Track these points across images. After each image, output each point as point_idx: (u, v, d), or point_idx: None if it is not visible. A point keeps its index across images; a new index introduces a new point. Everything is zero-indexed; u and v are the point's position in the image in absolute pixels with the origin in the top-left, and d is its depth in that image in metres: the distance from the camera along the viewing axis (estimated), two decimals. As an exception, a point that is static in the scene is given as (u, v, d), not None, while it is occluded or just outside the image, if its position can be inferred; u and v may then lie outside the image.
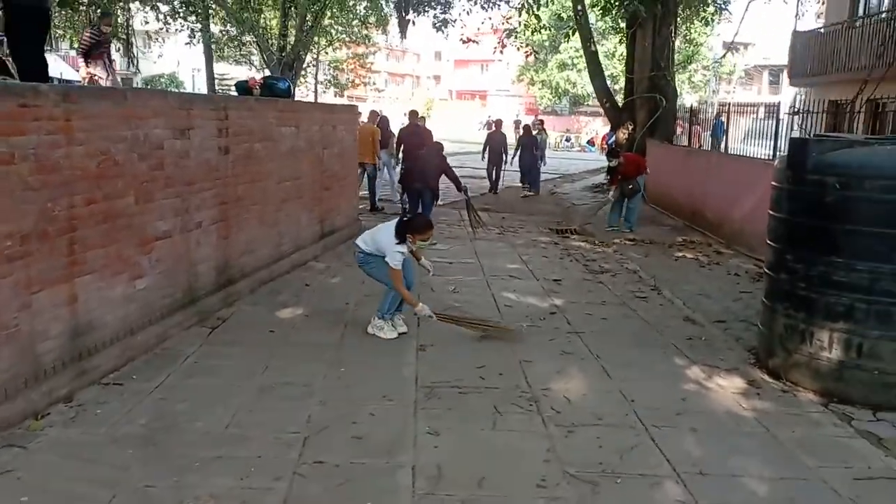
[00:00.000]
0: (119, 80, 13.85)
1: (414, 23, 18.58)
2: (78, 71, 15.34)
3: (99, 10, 16.07)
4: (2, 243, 3.49)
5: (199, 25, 20.24)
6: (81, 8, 16.77)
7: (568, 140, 41.12)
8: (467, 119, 45.72)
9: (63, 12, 17.40)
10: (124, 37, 17.49)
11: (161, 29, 20.10)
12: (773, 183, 4.86)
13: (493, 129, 16.46)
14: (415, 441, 3.64)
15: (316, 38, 21.32)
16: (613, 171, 10.70)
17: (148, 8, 18.77)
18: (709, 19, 20.65)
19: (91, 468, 3.26)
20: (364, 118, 14.34)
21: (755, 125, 12.30)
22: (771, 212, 4.88)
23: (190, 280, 5.39)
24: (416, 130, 12.27)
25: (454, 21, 18.44)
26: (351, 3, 21.55)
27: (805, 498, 3.28)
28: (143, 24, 20.91)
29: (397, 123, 13.33)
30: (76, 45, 19.54)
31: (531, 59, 34.34)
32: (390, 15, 22.00)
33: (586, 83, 30.04)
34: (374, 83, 43.58)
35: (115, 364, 4.38)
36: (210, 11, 19.91)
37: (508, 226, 11.27)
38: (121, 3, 17.00)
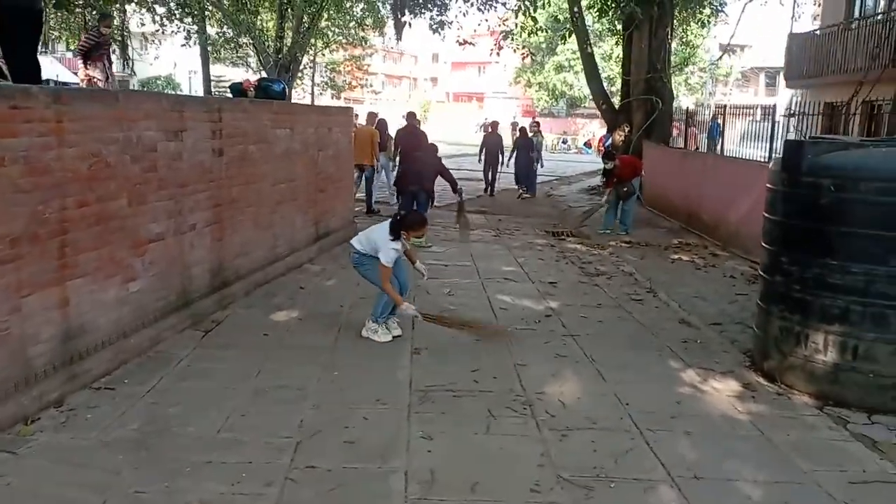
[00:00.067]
0: (117, 82, 13.83)
1: (410, 25, 18.54)
2: (76, 73, 15.32)
3: (94, 12, 16.04)
4: (-8, 246, 3.47)
5: (195, 27, 20.21)
6: (77, 10, 16.72)
7: (565, 142, 41.16)
8: (464, 121, 45.73)
9: (59, 14, 17.36)
10: (119, 39, 17.41)
11: (157, 31, 20.07)
12: (768, 185, 4.85)
13: (490, 130, 16.48)
14: (408, 445, 3.62)
15: (312, 40, 21.30)
16: (609, 173, 10.70)
17: (144, 10, 18.73)
18: (705, 21, 20.69)
19: (82, 473, 3.24)
20: (362, 120, 14.36)
21: (751, 127, 12.34)
22: (766, 214, 4.87)
23: (184, 283, 5.37)
24: (412, 132, 12.24)
25: (450, 23, 18.42)
26: (348, 5, 21.55)
27: (800, 502, 3.27)
28: (139, 26, 20.86)
29: (395, 126, 13.31)
30: (73, 47, 19.53)
31: (528, 61, 34.37)
32: (387, 17, 21.99)
33: (583, 85, 30.08)
34: (371, 85, 43.60)
35: (108, 368, 4.35)
36: (206, 13, 19.88)
37: (505, 228, 11.26)
38: (117, 5, 16.94)
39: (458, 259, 8.46)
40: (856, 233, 4.24)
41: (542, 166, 17.17)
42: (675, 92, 18.33)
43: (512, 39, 18.29)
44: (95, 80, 9.48)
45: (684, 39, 26.25)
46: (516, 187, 16.00)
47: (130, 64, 20.27)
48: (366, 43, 27.48)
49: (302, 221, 7.85)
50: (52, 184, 3.86)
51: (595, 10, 16.83)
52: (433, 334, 5.31)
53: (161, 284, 5.03)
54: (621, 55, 17.52)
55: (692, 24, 22.02)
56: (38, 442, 3.50)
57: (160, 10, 18.71)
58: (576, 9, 16.22)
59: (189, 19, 19.30)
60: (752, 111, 13.81)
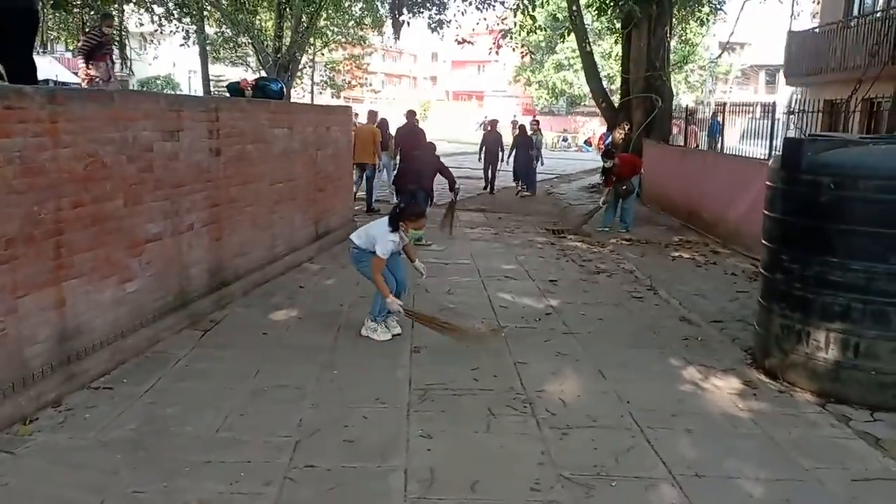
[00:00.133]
0: (118, 82, 13.79)
1: (408, 24, 18.49)
2: (76, 73, 15.29)
3: (92, 12, 16.01)
4: (-13, 247, 3.45)
5: (193, 27, 20.18)
6: (75, 10, 16.69)
7: (565, 140, 41.12)
8: (464, 119, 45.71)
9: (57, 14, 17.33)
10: (118, 39, 17.37)
11: (156, 31, 20.03)
12: (768, 183, 4.83)
13: (489, 129, 16.47)
14: (407, 444, 3.60)
15: (311, 40, 21.27)
16: (608, 172, 10.67)
17: (142, 10, 18.70)
18: (704, 19, 20.65)
19: (80, 473, 3.22)
20: (362, 119, 14.33)
21: (751, 125, 12.31)
22: (766, 212, 4.85)
23: (182, 283, 5.35)
24: (412, 130, 12.24)
25: (449, 22, 18.38)
26: (346, 5, 21.52)
27: (802, 499, 3.25)
28: (137, 26, 20.82)
29: (395, 124, 13.29)
30: (71, 47, 19.51)
31: (527, 59, 34.33)
32: (385, 16, 21.95)
33: (583, 83, 30.04)
34: (371, 84, 43.56)
35: (105, 368, 4.34)
36: (205, 13, 19.84)
37: (505, 226, 11.24)
38: (115, 5, 16.89)
39: (458, 257, 8.44)
40: (855, 230, 4.22)
41: (542, 164, 17.17)
42: (674, 90, 18.30)
43: (511, 38, 18.26)
44: (97, 79, 9.46)
45: (683, 38, 26.20)
46: (515, 184, 16.01)
47: (129, 64, 20.23)
48: (365, 42, 27.46)
49: (301, 221, 7.83)
50: (47, 184, 3.84)
51: (594, 8, 16.77)
52: (433, 333, 5.29)
53: (158, 285, 5.01)
54: (620, 53, 17.49)
55: (691, 22, 21.99)
56: (36, 442, 3.48)
57: (158, 9, 18.67)
58: (574, 7, 16.18)
59: (187, 19, 19.26)
60: (752, 109, 13.78)
